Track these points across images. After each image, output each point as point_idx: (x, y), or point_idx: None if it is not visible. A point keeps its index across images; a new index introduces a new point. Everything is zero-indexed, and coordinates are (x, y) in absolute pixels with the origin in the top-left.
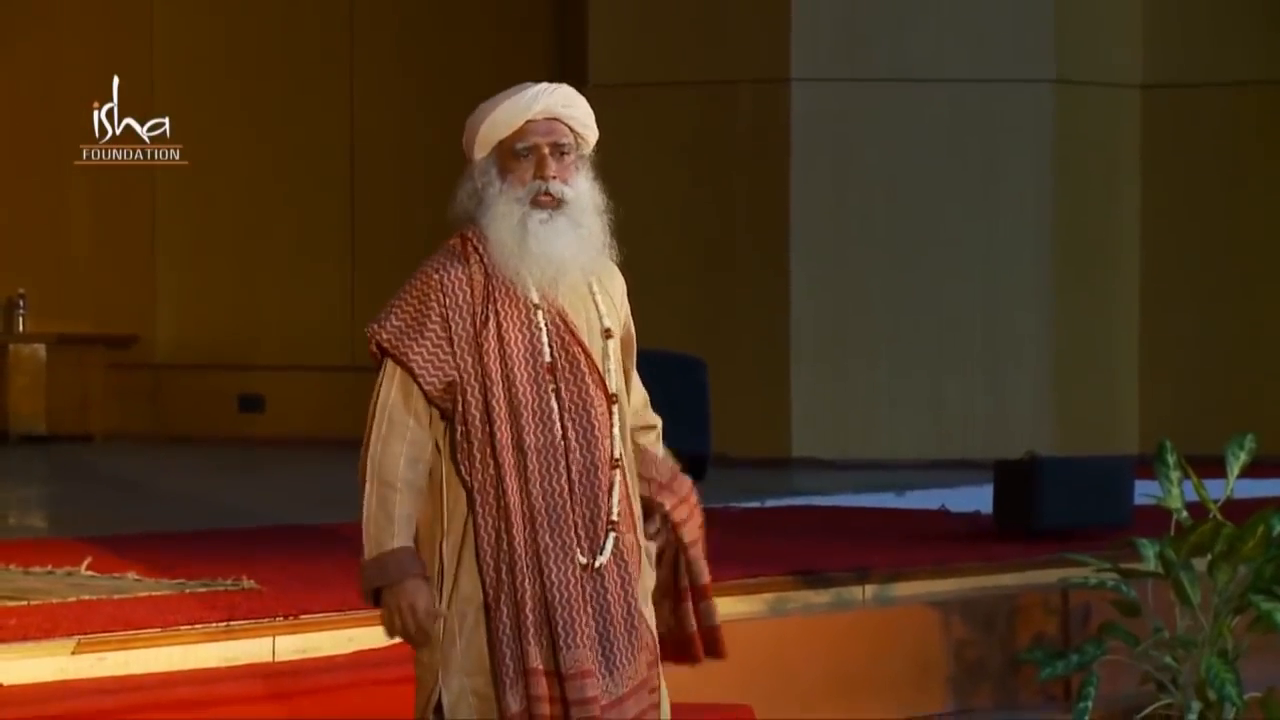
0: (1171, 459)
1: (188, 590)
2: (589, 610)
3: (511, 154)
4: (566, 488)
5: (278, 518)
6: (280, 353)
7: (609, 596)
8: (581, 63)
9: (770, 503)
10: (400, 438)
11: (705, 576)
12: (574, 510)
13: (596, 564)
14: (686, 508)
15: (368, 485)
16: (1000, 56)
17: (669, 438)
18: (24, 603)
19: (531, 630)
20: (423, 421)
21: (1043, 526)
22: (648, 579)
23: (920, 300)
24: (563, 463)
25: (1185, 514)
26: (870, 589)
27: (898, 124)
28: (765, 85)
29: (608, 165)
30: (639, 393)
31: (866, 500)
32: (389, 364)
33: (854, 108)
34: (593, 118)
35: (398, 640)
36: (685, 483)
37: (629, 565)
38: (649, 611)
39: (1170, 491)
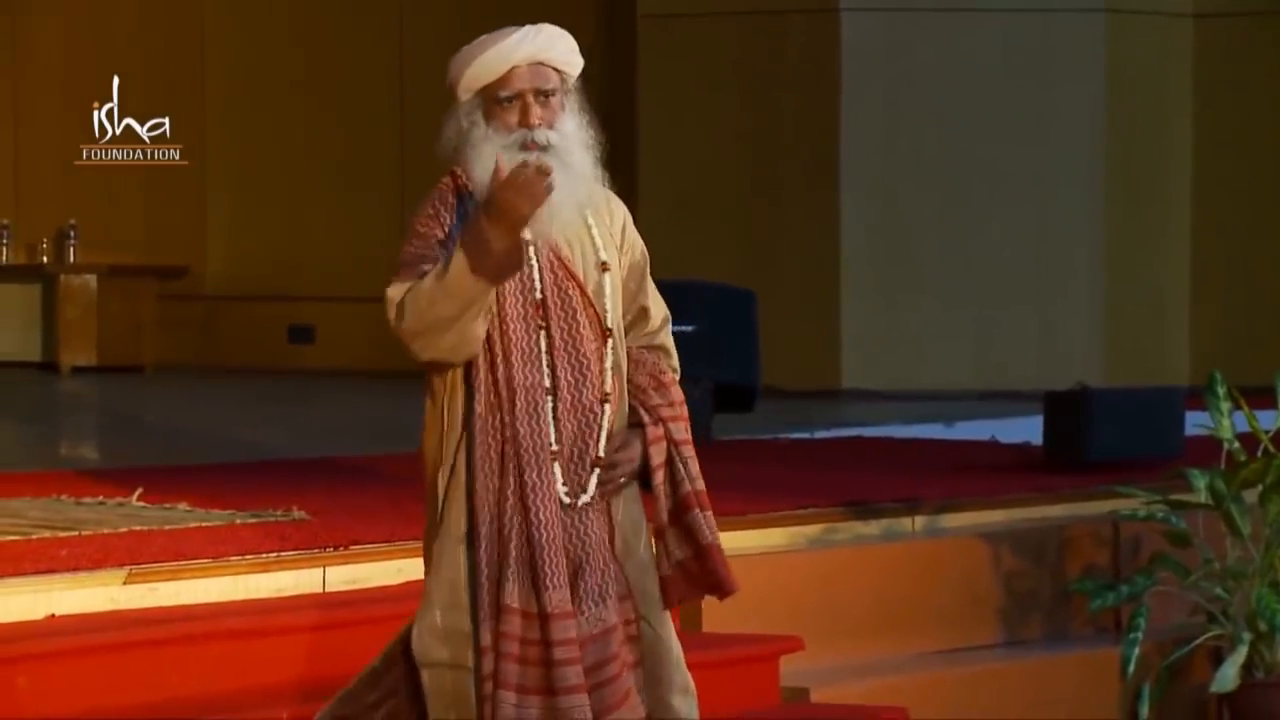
0: (1222, 390)
1: (238, 521)
2: (569, 550)
3: (496, 101)
4: (551, 426)
5: (327, 449)
6: (330, 284)
7: (589, 534)
8: None
9: (820, 434)
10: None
11: (701, 482)
12: (560, 449)
13: (579, 503)
14: (674, 409)
15: (419, 291)
16: None
17: (719, 369)
18: (75, 533)
19: (512, 568)
20: None
21: (1093, 457)
22: (634, 509)
23: (971, 231)
24: (549, 401)
25: (1236, 444)
26: (920, 520)
27: (948, 54)
28: (815, 15)
29: (658, 96)
30: (657, 315)
31: (916, 431)
32: (400, 273)
33: (904, 38)
34: (577, 51)
35: None
36: (677, 391)
37: (613, 504)
38: (640, 545)
39: (1221, 422)
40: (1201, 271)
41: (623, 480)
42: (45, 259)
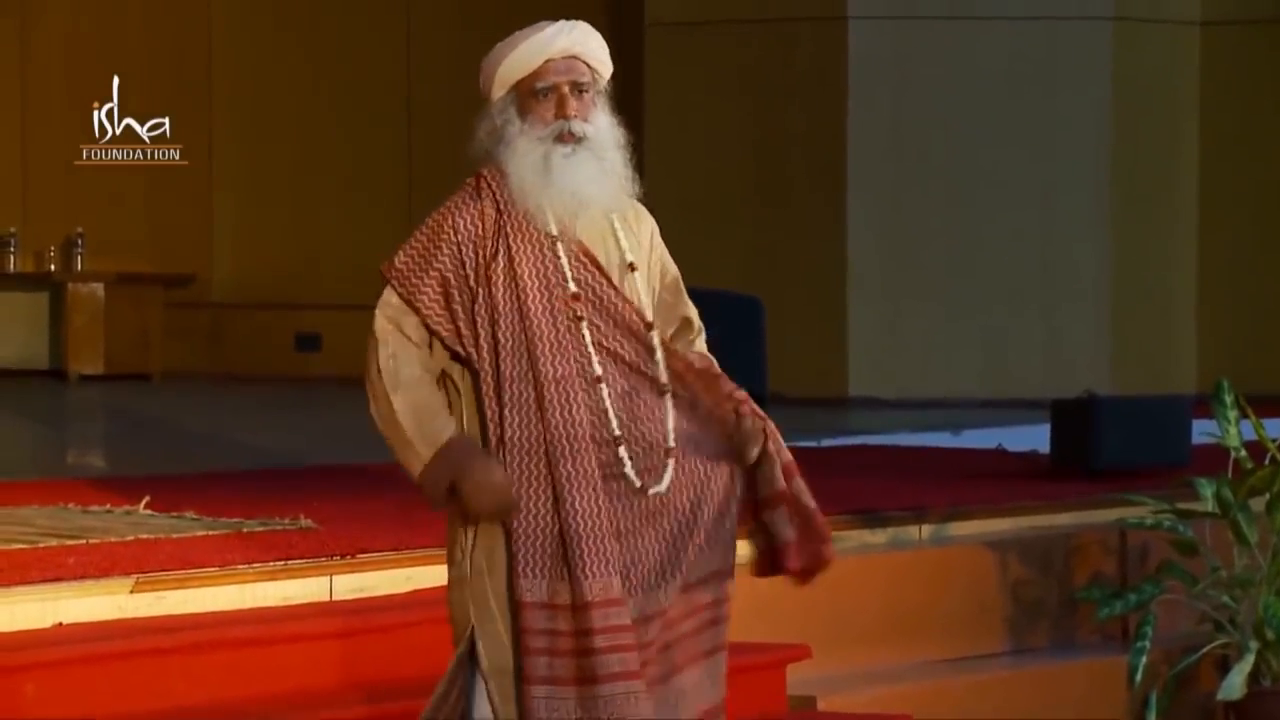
0: (1229, 398)
1: (245, 529)
2: (636, 537)
3: (531, 93)
4: (589, 417)
5: (334, 457)
6: (337, 292)
7: (666, 522)
8: (638, 0)
9: (826, 442)
10: (408, 354)
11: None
12: (618, 437)
13: (652, 491)
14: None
15: (392, 397)
16: None
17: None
18: (82, 541)
19: (538, 561)
20: (422, 346)
21: (1101, 466)
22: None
23: (978, 239)
24: (586, 392)
25: (1244, 453)
26: (927, 528)
27: (956, 62)
28: (823, 23)
29: (665, 103)
30: (696, 321)
31: (923, 439)
32: (387, 292)
33: (912, 46)
34: (607, 52)
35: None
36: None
37: (696, 488)
38: (725, 528)
39: (1228, 430)
40: (1208, 279)
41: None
42: (53, 267)
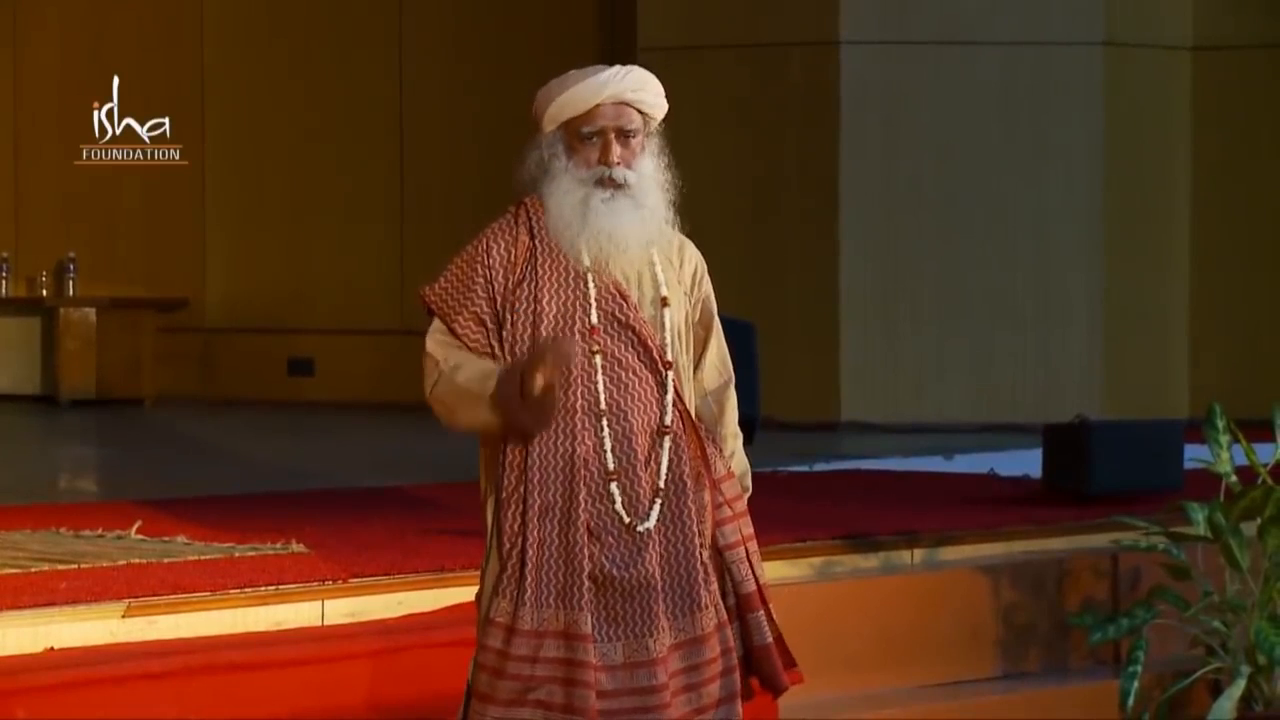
0: (1221, 423)
1: (237, 554)
2: (616, 578)
3: (578, 136)
4: (585, 450)
5: (327, 481)
6: (329, 316)
7: (648, 562)
8: (631, 26)
9: (819, 466)
10: (462, 354)
11: (749, 585)
12: (612, 473)
13: (640, 528)
14: (728, 510)
15: (441, 381)
16: (1050, 18)
17: None
18: (74, 566)
19: (505, 584)
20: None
21: (1093, 491)
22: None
23: (970, 263)
24: (588, 426)
25: (1235, 478)
26: (919, 553)
27: (947, 87)
28: (814, 48)
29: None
30: (719, 372)
31: (915, 464)
32: (436, 322)
33: (903, 70)
34: (663, 94)
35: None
36: (734, 487)
37: (685, 530)
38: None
39: (1220, 456)
40: (1201, 304)
41: None
42: (45, 292)
